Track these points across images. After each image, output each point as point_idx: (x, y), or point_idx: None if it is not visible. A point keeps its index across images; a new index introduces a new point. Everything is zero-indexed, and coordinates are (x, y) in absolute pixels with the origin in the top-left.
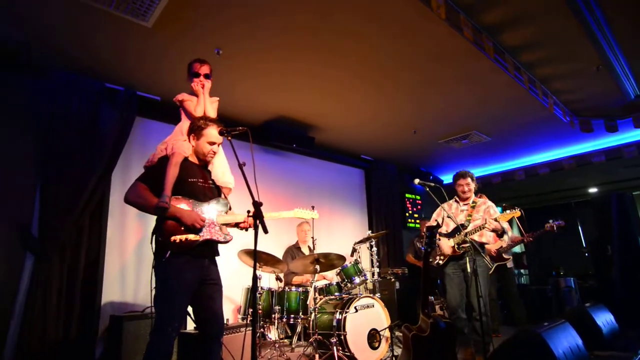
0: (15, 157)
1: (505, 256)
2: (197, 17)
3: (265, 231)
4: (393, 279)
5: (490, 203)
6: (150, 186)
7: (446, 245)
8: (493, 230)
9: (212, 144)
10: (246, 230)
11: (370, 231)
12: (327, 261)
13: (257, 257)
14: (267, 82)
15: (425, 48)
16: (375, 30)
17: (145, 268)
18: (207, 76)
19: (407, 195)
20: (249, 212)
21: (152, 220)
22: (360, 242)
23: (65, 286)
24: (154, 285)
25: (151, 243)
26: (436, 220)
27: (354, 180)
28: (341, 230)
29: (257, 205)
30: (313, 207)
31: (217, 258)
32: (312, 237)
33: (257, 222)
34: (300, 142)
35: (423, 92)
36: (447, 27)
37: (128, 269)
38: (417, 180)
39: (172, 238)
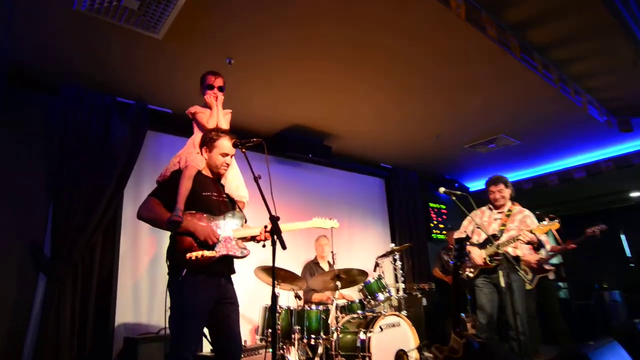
0: (28, 175)
1: (546, 267)
2: (207, 27)
3: (283, 247)
4: (420, 295)
5: (527, 212)
6: (164, 201)
7: (477, 254)
8: (528, 243)
9: (225, 155)
10: (263, 245)
11: (393, 244)
12: (348, 277)
13: (276, 274)
14: (280, 92)
15: (447, 49)
16: (393, 35)
17: (159, 286)
18: (221, 89)
19: (431, 204)
20: (265, 227)
21: (165, 236)
22: (383, 256)
23: (79, 307)
24: (168, 305)
25: (166, 261)
26: (465, 232)
27: (374, 190)
28: (362, 243)
29: (274, 220)
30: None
31: (233, 276)
32: (332, 252)
33: (275, 238)
34: (316, 152)
35: (446, 95)
36: (470, 27)
37: (141, 288)
38: (442, 189)
39: (188, 255)
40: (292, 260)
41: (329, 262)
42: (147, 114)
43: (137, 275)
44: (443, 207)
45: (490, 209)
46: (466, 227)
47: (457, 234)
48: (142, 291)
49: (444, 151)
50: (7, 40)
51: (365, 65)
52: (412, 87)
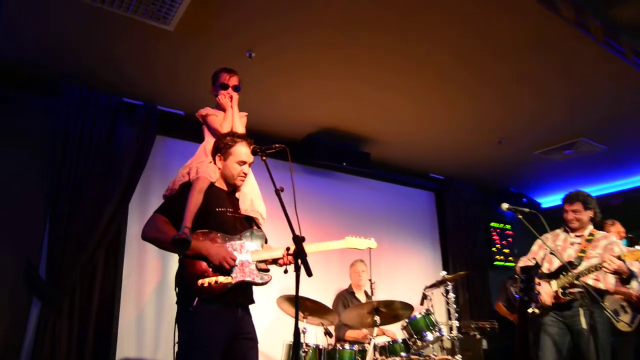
0: (24, 185)
1: None
2: (224, 15)
3: (309, 273)
4: (478, 336)
5: (614, 238)
6: (171, 218)
7: (546, 291)
8: (615, 273)
9: (242, 163)
10: (285, 271)
11: (444, 272)
12: (389, 311)
13: (301, 305)
14: (309, 88)
15: (512, 35)
16: (441, 20)
17: (167, 316)
18: (236, 88)
19: (493, 224)
20: (288, 249)
21: (173, 258)
22: (433, 286)
23: (76, 338)
24: (176, 339)
25: (175, 288)
26: (534, 258)
27: (422, 206)
28: (407, 270)
29: (298, 240)
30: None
31: (251, 307)
32: (370, 280)
33: (299, 262)
34: (352, 160)
35: (510, 90)
36: (539, 7)
37: (146, 318)
38: (505, 205)
39: (200, 282)
40: (322, 289)
41: (366, 293)
42: (156, 116)
43: (141, 303)
44: (508, 227)
45: (566, 231)
46: (535, 252)
47: (524, 261)
48: (147, 321)
49: (509, 159)
50: None
51: (409, 57)
52: (466, 83)
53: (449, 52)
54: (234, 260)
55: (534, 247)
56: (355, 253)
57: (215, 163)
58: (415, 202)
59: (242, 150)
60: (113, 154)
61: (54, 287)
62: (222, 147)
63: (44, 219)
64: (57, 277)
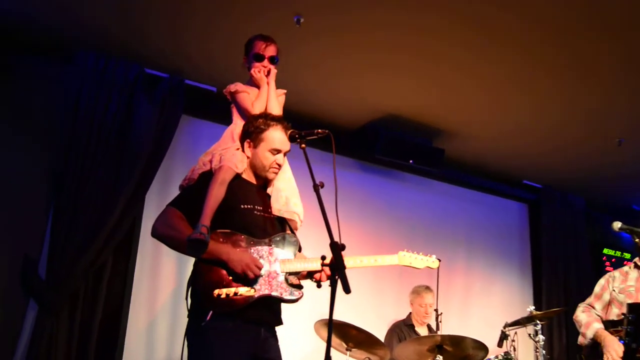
0: (24, 170)
1: None
2: None
3: (347, 289)
4: None
5: None
6: (187, 213)
7: (614, 347)
8: None
9: (277, 152)
10: (319, 285)
11: (533, 307)
12: (456, 350)
13: (346, 334)
14: (370, 63)
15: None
16: None
17: (181, 330)
18: (273, 60)
19: (606, 250)
20: (323, 258)
21: (192, 262)
22: (517, 323)
23: (76, 348)
24: (185, 358)
25: (186, 298)
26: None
27: (510, 220)
28: (484, 301)
29: (336, 248)
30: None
31: (279, 328)
32: (436, 311)
33: (335, 275)
34: (421, 157)
35: (633, 73)
36: None
37: (158, 330)
38: (617, 225)
39: (216, 292)
40: (373, 317)
41: (429, 327)
42: (183, 91)
43: (153, 312)
44: (627, 256)
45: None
46: (599, 295)
47: (586, 308)
48: (158, 334)
49: (632, 166)
50: None
51: (498, 32)
52: (573, 62)
53: (548, 32)
54: (260, 268)
55: (597, 289)
56: (420, 276)
57: (243, 150)
58: (501, 215)
59: (276, 136)
60: (130, 136)
61: (54, 289)
62: (252, 131)
63: (47, 210)
64: (58, 278)
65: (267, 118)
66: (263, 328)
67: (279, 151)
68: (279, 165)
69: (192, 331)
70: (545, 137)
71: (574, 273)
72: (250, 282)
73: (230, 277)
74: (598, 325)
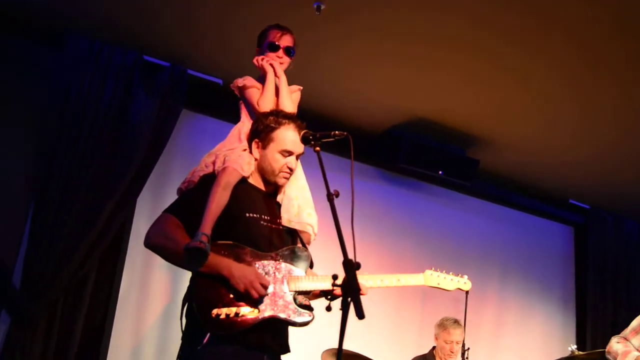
0: (4, 163)
1: None
2: None
3: (360, 314)
4: None
5: None
6: (186, 221)
7: None
8: None
9: (288, 154)
10: (328, 307)
11: (575, 346)
12: None
13: None
14: (396, 59)
15: None
16: None
17: (169, 355)
18: (289, 51)
19: None
20: (335, 277)
21: (188, 276)
22: None
23: None
24: None
25: (180, 318)
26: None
27: (552, 244)
28: (517, 335)
29: (350, 267)
30: None
31: (285, 357)
32: (463, 345)
33: (348, 298)
34: (451, 168)
35: None
36: None
37: (144, 353)
38: None
39: (215, 312)
40: (390, 347)
41: None
42: (186, 83)
43: (140, 333)
44: None
45: None
46: (637, 329)
47: (623, 342)
48: (144, 356)
49: None
50: None
51: (543, 34)
52: (628, 65)
53: (599, 33)
54: (266, 287)
55: (635, 323)
56: (445, 303)
57: (251, 151)
58: (541, 239)
59: (288, 136)
60: (124, 130)
61: (29, 300)
62: (261, 130)
63: (25, 211)
64: (35, 288)
65: (278, 115)
66: (266, 355)
67: (290, 153)
68: (291, 170)
69: (186, 355)
70: (599, 153)
71: (624, 308)
72: (254, 301)
73: (232, 295)
74: (638, 354)
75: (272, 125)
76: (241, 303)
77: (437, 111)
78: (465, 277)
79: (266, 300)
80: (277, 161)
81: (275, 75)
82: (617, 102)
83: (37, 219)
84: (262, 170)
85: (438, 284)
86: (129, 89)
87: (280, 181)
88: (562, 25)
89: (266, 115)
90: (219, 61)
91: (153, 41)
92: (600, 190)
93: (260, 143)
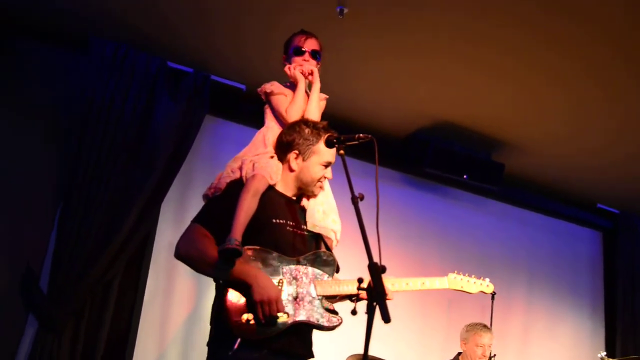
0: (28, 170)
1: None
2: None
3: (386, 319)
4: None
5: None
6: (213, 229)
7: None
8: None
9: (328, 165)
10: (354, 311)
11: (605, 353)
12: None
13: None
14: (420, 62)
15: None
16: None
17: None
18: (315, 55)
19: None
20: (360, 280)
21: (212, 282)
22: None
23: None
24: None
25: (211, 324)
26: None
27: (579, 250)
28: (545, 342)
29: (376, 270)
30: None
31: None
32: (490, 354)
33: (374, 302)
34: (477, 172)
35: None
36: None
37: (169, 359)
38: None
39: (245, 317)
40: (415, 353)
41: None
42: (209, 88)
43: (165, 339)
44: None
45: None
46: None
47: None
48: None
49: None
50: None
51: (577, 37)
52: None
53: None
54: (280, 311)
55: None
56: (471, 308)
57: (287, 162)
58: (569, 244)
59: (329, 149)
60: (148, 136)
61: (56, 304)
62: (300, 143)
63: (52, 216)
64: (62, 292)
65: (317, 128)
66: None
67: (329, 164)
68: (324, 180)
69: None
70: (628, 157)
71: None
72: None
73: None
74: None
75: (314, 137)
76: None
77: (462, 115)
78: (487, 280)
79: (295, 305)
80: (318, 173)
81: (311, 81)
82: (629, 101)
83: (63, 225)
84: (300, 181)
85: (461, 287)
86: (152, 95)
87: (317, 191)
88: (597, 27)
89: (302, 126)
90: (241, 67)
91: (176, 47)
92: (630, 195)
93: (300, 155)
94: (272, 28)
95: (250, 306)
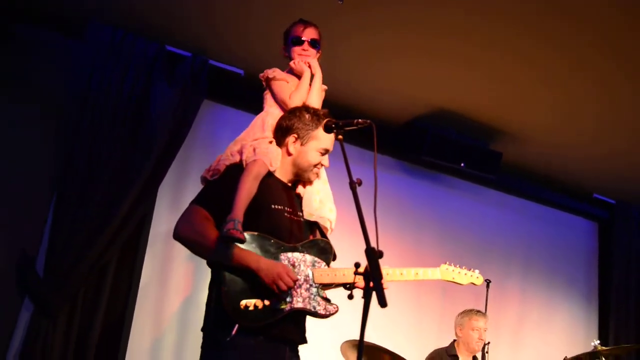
0: (25, 153)
1: None
2: None
3: (382, 303)
4: None
5: None
6: (213, 211)
7: None
8: None
9: (325, 152)
10: (350, 296)
11: (598, 342)
12: None
13: (377, 358)
14: (419, 48)
15: None
16: None
17: (189, 345)
18: (314, 44)
19: None
20: (357, 265)
21: (208, 267)
22: (578, 359)
23: (72, 356)
24: None
25: (207, 309)
26: None
27: (574, 239)
28: (539, 331)
29: (373, 255)
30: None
31: (302, 347)
32: (484, 341)
33: (370, 286)
34: (474, 160)
35: None
36: None
37: (164, 342)
38: None
39: (243, 303)
40: (410, 340)
41: (475, 358)
42: (206, 73)
43: (161, 324)
44: None
45: None
46: None
47: None
48: (164, 346)
49: None
50: None
51: (579, 21)
52: None
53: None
54: (294, 281)
55: None
56: (465, 297)
57: (286, 146)
58: (565, 234)
59: (328, 135)
60: (145, 120)
61: (52, 288)
62: (299, 127)
63: (48, 200)
64: (58, 276)
65: (317, 114)
66: (288, 347)
67: (327, 151)
68: (322, 167)
69: (210, 346)
70: (624, 147)
71: None
72: (281, 293)
73: (258, 287)
74: None
75: (313, 123)
76: (268, 295)
77: (460, 103)
78: (477, 271)
79: (292, 292)
80: (315, 158)
81: (312, 72)
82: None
83: (59, 209)
84: (297, 166)
85: (453, 278)
86: (150, 79)
87: (313, 177)
88: (590, 23)
89: (302, 111)
90: (240, 52)
91: (175, 31)
92: (626, 185)
93: (299, 139)
94: (273, 13)
95: (250, 291)
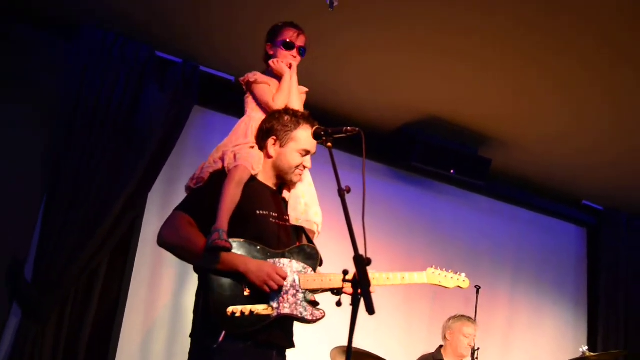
0: (14, 155)
1: None
2: None
3: (370, 310)
4: None
5: None
6: (198, 218)
7: None
8: None
9: (306, 153)
10: (339, 303)
11: (586, 347)
12: None
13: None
14: (409, 57)
15: None
16: None
17: (178, 350)
18: (302, 51)
19: None
20: (345, 272)
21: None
22: None
23: None
24: None
25: (195, 314)
26: None
27: (563, 246)
28: (528, 336)
29: (361, 263)
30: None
31: (290, 352)
32: (473, 347)
33: (358, 292)
34: (464, 167)
35: None
36: None
37: (153, 347)
38: None
39: (230, 309)
40: (399, 345)
41: None
42: (197, 79)
43: (150, 326)
44: None
45: None
46: None
47: None
48: (153, 350)
49: None
50: None
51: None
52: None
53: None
54: (284, 278)
55: None
56: (455, 301)
57: (266, 149)
58: (554, 240)
59: (308, 136)
60: (136, 125)
61: (41, 293)
62: (278, 129)
63: (38, 204)
64: (47, 281)
65: (296, 115)
66: (275, 351)
67: (308, 152)
68: (305, 169)
69: (198, 352)
70: (615, 156)
71: (637, 310)
72: (268, 299)
73: (246, 293)
74: None
75: (292, 124)
76: (255, 301)
77: (449, 110)
78: (464, 275)
79: (279, 298)
80: (295, 159)
81: (290, 75)
82: (636, 103)
83: (48, 213)
84: (277, 168)
85: (439, 282)
86: (141, 83)
87: (295, 179)
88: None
89: (283, 113)
90: (231, 58)
91: (165, 37)
92: (614, 192)
93: (278, 141)
94: (263, 19)
95: (237, 297)
